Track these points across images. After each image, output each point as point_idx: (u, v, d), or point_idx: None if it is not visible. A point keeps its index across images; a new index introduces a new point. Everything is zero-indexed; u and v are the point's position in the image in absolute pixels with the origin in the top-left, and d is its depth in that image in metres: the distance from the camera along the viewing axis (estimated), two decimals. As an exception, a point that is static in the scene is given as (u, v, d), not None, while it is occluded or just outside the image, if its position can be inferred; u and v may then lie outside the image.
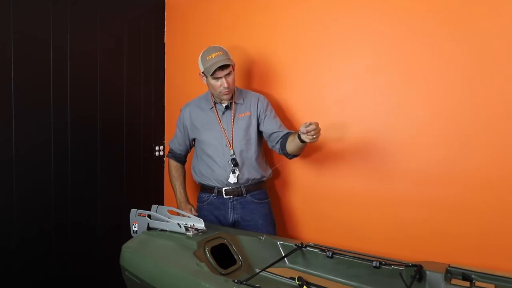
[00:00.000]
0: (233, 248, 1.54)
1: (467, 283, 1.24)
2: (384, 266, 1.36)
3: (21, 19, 1.80)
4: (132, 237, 1.71)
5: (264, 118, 1.93)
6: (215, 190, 1.92)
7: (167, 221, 1.63)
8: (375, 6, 1.83)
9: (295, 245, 1.56)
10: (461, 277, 1.28)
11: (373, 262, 1.37)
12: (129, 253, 1.55)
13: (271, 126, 1.92)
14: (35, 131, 1.89)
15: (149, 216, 1.69)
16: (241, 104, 1.95)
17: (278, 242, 1.61)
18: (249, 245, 1.59)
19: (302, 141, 1.64)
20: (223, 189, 1.90)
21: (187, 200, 2.08)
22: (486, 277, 1.25)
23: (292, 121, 2.11)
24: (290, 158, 1.90)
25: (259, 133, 1.96)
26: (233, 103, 1.93)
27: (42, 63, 1.91)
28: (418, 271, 1.28)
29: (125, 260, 1.55)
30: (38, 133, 1.90)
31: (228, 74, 1.82)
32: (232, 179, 1.87)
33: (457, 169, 1.67)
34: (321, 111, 2.01)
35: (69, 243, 2.07)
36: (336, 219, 2.00)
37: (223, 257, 1.48)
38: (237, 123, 1.91)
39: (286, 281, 1.34)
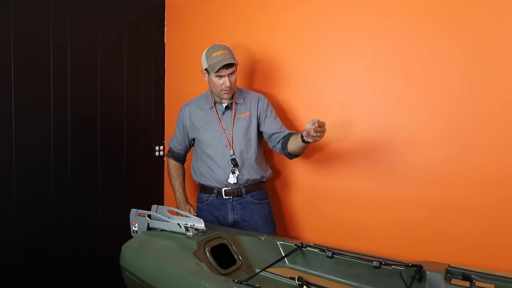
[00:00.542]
0: (233, 248, 1.54)
1: (467, 283, 1.24)
2: (384, 266, 1.36)
3: (21, 19, 1.80)
4: (132, 237, 1.71)
5: (265, 118, 1.93)
6: (215, 191, 1.92)
7: (167, 221, 1.63)
8: (375, 7, 1.83)
9: (295, 245, 1.56)
10: (461, 277, 1.28)
11: (373, 262, 1.37)
12: (129, 253, 1.55)
13: (272, 126, 1.91)
14: (35, 131, 1.89)
15: (149, 216, 1.69)
16: (242, 104, 1.94)
17: (278, 242, 1.60)
18: (249, 245, 1.59)
19: (304, 141, 1.64)
20: (223, 189, 1.90)
21: (186, 200, 2.08)
22: (486, 277, 1.25)
23: (293, 121, 2.11)
24: (291, 158, 1.89)
25: (259, 134, 1.96)
26: (234, 103, 1.93)
27: (42, 62, 1.91)
28: (418, 271, 1.28)
29: (125, 260, 1.55)
30: (38, 133, 1.90)
31: (232, 73, 1.82)
32: (232, 179, 1.86)
33: (457, 169, 1.67)
34: (321, 111, 2.01)
35: (69, 243, 2.07)
36: (336, 219, 2.00)
37: (223, 257, 1.48)
38: (237, 123, 1.91)
39: (286, 281, 1.34)
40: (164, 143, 2.68)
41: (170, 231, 1.61)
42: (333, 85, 1.98)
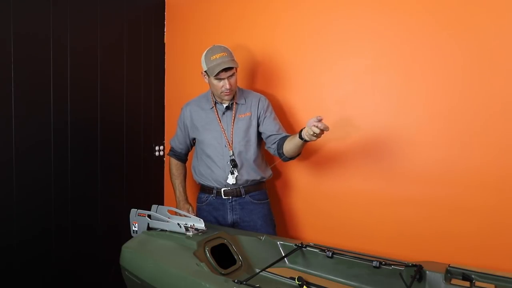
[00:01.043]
0: (233, 248, 1.54)
1: (467, 283, 1.24)
2: (384, 266, 1.36)
3: (21, 19, 1.80)
4: (132, 237, 1.71)
5: (264, 119, 1.92)
6: (214, 191, 1.92)
7: (167, 221, 1.63)
8: (375, 7, 1.83)
9: (295, 245, 1.56)
10: (461, 277, 1.28)
11: (373, 262, 1.37)
12: (129, 253, 1.55)
13: (271, 127, 1.91)
14: (35, 131, 1.89)
15: (149, 216, 1.69)
16: (242, 104, 1.94)
17: (278, 242, 1.60)
18: (249, 245, 1.59)
19: (302, 138, 1.63)
20: (222, 189, 1.90)
21: (186, 199, 2.08)
22: (486, 277, 1.25)
23: (293, 120, 2.11)
24: (284, 160, 1.87)
25: (259, 134, 1.95)
26: (234, 103, 1.93)
27: (42, 62, 1.91)
28: (418, 271, 1.28)
29: (125, 260, 1.55)
30: (38, 133, 1.90)
31: (231, 75, 1.81)
32: (231, 180, 1.86)
33: (457, 169, 1.67)
34: (321, 111, 2.00)
35: (69, 243, 2.07)
36: (336, 219, 2.00)
37: (223, 257, 1.48)
38: (237, 124, 1.91)
39: (286, 281, 1.34)
40: (164, 143, 2.68)
41: (170, 231, 1.61)
42: (333, 85, 1.98)
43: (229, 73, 1.79)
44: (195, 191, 2.08)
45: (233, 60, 1.82)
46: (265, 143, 1.97)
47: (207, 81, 1.89)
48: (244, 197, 1.90)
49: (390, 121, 1.83)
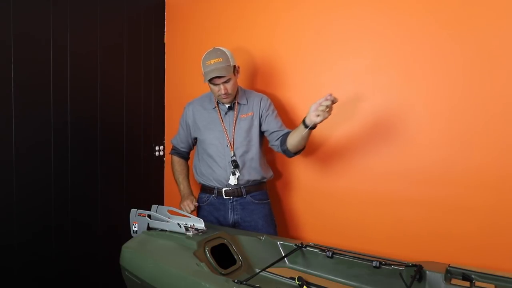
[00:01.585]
0: (233, 248, 1.54)
1: (467, 283, 1.24)
2: (384, 266, 1.36)
3: (21, 19, 1.80)
4: (132, 237, 1.71)
5: (266, 117, 1.92)
6: (215, 191, 1.92)
7: (167, 221, 1.63)
8: (376, 7, 1.84)
9: (295, 245, 1.56)
10: (461, 277, 1.28)
11: (373, 262, 1.37)
12: (129, 253, 1.55)
13: (273, 125, 1.91)
14: (35, 131, 1.89)
15: (149, 216, 1.69)
16: (244, 104, 1.94)
17: (278, 242, 1.60)
18: (249, 245, 1.59)
19: (307, 126, 1.61)
20: (223, 189, 1.90)
21: (190, 192, 2.05)
22: (486, 277, 1.25)
23: (293, 120, 2.10)
24: (289, 156, 1.87)
25: (261, 134, 1.95)
26: (236, 103, 1.93)
27: (42, 63, 1.91)
28: (418, 271, 1.28)
29: (125, 260, 1.55)
30: (38, 133, 1.90)
31: (227, 81, 1.79)
32: (232, 180, 1.86)
33: (457, 169, 1.67)
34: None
35: (69, 242, 2.07)
36: (337, 219, 2.00)
37: (223, 257, 1.48)
38: (239, 124, 1.91)
39: (286, 281, 1.34)
40: (164, 143, 2.68)
41: (170, 231, 1.61)
42: (333, 85, 1.98)
43: (223, 79, 1.77)
44: (196, 192, 2.08)
45: (228, 66, 1.77)
46: (268, 141, 1.96)
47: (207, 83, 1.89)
48: (245, 197, 1.90)
49: (390, 121, 1.83)
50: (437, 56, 1.70)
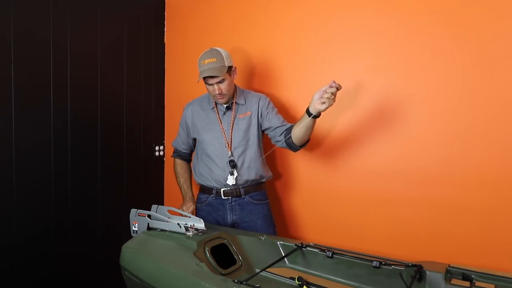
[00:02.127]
0: (233, 248, 1.54)
1: (467, 283, 1.24)
2: (384, 266, 1.36)
3: (21, 19, 1.80)
4: (132, 237, 1.71)
5: (267, 115, 1.91)
6: (214, 191, 1.92)
7: (167, 221, 1.63)
8: (375, 7, 1.83)
9: (295, 245, 1.56)
10: (461, 277, 1.28)
11: (373, 262, 1.37)
12: (129, 253, 1.55)
13: (275, 121, 1.89)
14: (35, 131, 1.89)
15: (149, 216, 1.69)
16: (242, 104, 1.94)
17: (278, 242, 1.60)
18: (249, 245, 1.59)
19: (310, 114, 1.60)
20: (222, 190, 1.90)
21: (192, 197, 2.05)
22: (486, 277, 1.25)
23: (294, 120, 2.10)
24: (294, 150, 1.83)
25: (260, 134, 1.95)
26: (234, 103, 1.93)
27: (42, 62, 1.91)
28: (418, 271, 1.28)
29: (125, 260, 1.55)
30: (38, 132, 1.90)
31: (221, 81, 1.79)
32: (231, 180, 1.86)
33: (457, 169, 1.67)
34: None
35: (69, 242, 2.07)
36: (336, 219, 2.00)
37: (223, 257, 1.48)
38: (237, 124, 1.91)
39: (286, 281, 1.34)
40: (164, 143, 2.67)
41: (170, 231, 1.61)
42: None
43: (216, 79, 1.77)
44: (195, 192, 2.08)
45: (222, 66, 1.77)
46: (271, 139, 1.93)
47: None
48: (244, 197, 1.90)
49: (389, 121, 1.83)
50: (437, 56, 1.70)
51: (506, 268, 1.52)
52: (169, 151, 2.17)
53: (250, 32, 2.24)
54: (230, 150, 1.88)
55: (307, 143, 1.83)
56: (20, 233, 1.85)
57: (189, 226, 1.59)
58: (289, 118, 2.11)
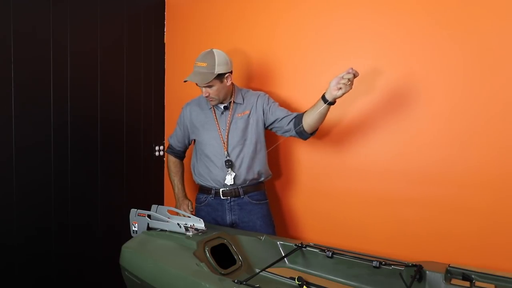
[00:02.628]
0: (233, 248, 1.54)
1: (467, 283, 1.24)
2: (384, 266, 1.36)
3: (21, 19, 1.80)
4: (132, 237, 1.71)
5: (270, 109, 1.90)
6: (213, 191, 1.92)
7: (167, 221, 1.63)
8: (375, 7, 1.84)
9: (295, 245, 1.56)
10: (461, 277, 1.28)
11: (373, 262, 1.37)
12: (129, 253, 1.55)
13: (279, 112, 1.87)
14: (35, 131, 1.89)
15: (149, 216, 1.69)
16: (240, 104, 1.93)
17: (278, 242, 1.60)
18: (249, 245, 1.59)
19: (326, 101, 1.61)
20: (220, 190, 1.90)
21: (185, 195, 2.09)
22: (486, 277, 1.25)
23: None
24: (304, 138, 1.81)
25: (258, 133, 1.93)
26: (232, 102, 1.92)
27: (42, 62, 1.91)
28: (418, 271, 1.28)
29: (125, 260, 1.55)
30: (38, 132, 1.90)
31: (208, 86, 1.80)
32: (229, 180, 1.86)
33: (457, 169, 1.67)
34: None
35: (69, 242, 2.07)
36: (336, 219, 2.00)
37: (223, 257, 1.48)
38: (235, 124, 1.90)
39: (286, 281, 1.34)
40: (164, 143, 2.67)
41: (170, 231, 1.61)
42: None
43: (204, 83, 1.79)
44: (194, 192, 2.08)
45: (210, 73, 1.76)
46: (278, 130, 1.91)
47: None
48: (243, 197, 1.90)
49: (390, 121, 1.83)
50: (437, 56, 1.70)
51: (506, 268, 1.52)
52: (166, 149, 2.17)
53: (250, 32, 2.24)
54: (226, 150, 1.87)
55: (316, 132, 1.82)
56: (20, 233, 1.85)
57: (189, 226, 1.59)
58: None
